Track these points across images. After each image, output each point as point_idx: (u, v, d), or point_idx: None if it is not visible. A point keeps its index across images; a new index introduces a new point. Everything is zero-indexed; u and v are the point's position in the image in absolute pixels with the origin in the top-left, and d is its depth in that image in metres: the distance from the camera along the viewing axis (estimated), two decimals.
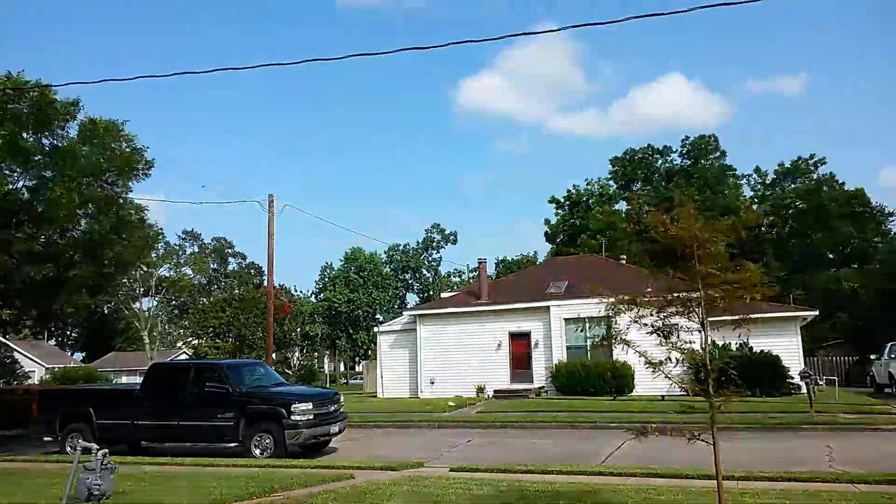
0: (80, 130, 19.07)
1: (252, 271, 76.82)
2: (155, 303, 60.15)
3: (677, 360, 5.60)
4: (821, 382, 23.45)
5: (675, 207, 5.98)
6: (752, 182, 58.26)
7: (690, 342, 5.76)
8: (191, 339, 56.89)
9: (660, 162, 60.01)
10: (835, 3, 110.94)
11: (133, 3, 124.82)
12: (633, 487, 8.04)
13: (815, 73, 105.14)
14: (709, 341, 5.63)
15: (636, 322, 5.76)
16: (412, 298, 76.06)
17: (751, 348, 22.32)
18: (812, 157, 54.69)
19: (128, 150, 19.93)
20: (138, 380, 17.20)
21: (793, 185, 54.11)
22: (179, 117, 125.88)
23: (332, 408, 13.52)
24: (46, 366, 50.61)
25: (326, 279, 74.07)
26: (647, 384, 21.25)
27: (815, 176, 53.34)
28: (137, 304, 53.90)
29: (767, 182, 57.23)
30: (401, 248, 76.57)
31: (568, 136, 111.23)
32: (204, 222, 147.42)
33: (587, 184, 60.27)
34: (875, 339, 33.94)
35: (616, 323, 6.05)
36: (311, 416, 12.59)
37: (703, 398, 5.60)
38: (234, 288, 64.00)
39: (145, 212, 21.28)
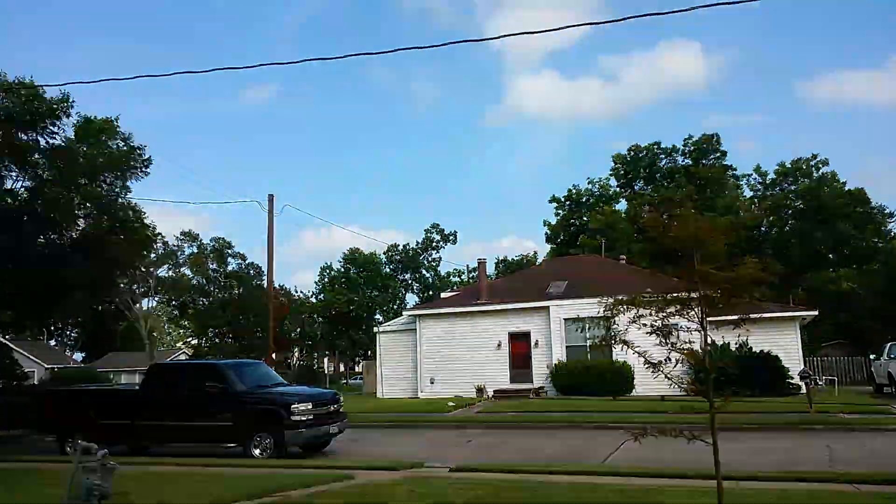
0: (77, 129, 19.04)
1: (252, 271, 76.73)
2: (155, 303, 60.11)
3: (677, 360, 5.61)
4: (821, 382, 23.46)
5: (675, 207, 6.00)
6: (753, 182, 58.29)
7: (690, 342, 5.77)
8: (191, 339, 56.87)
9: (663, 161, 59.92)
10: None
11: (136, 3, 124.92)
12: (634, 487, 8.04)
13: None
14: (708, 341, 5.63)
15: (635, 322, 5.77)
16: (412, 298, 76.06)
17: (750, 348, 22.31)
18: (815, 156, 54.70)
19: (124, 147, 19.91)
20: (138, 380, 17.17)
21: (793, 186, 54.10)
22: (179, 117, 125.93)
23: (332, 408, 13.52)
24: (46, 366, 50.56)
25: (326, 279, 74.05)
26: (646, 384, 21.25)
27: (816, 175, 53.32)
28: (137, 305, 53.84)
29: (768, 182, 57.24)
30: (400, 248, 76.57)
31: None
32: (203, 223, 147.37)
33: (588, 183, 60.32)
34: (875, 339, 33.94)
35: (616, 323, 6.05)
36: (311, 417, 12.59)
37: (703, 398, 5.60)
38: (233, 288, 63.90)
39: (143, 212, 21.34)
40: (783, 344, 23.10)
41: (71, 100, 18.81)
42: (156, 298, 59.08)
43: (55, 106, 18.44)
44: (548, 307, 26.35)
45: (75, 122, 19.08)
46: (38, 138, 18.80)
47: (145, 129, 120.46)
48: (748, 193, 57.01)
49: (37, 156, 18.36)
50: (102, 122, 19.28)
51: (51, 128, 18.78)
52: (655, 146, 59.81)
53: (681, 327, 5.74)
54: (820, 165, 54.13)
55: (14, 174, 18.62)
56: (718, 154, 57.96)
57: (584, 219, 55.71)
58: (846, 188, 50.67)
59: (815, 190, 50.31)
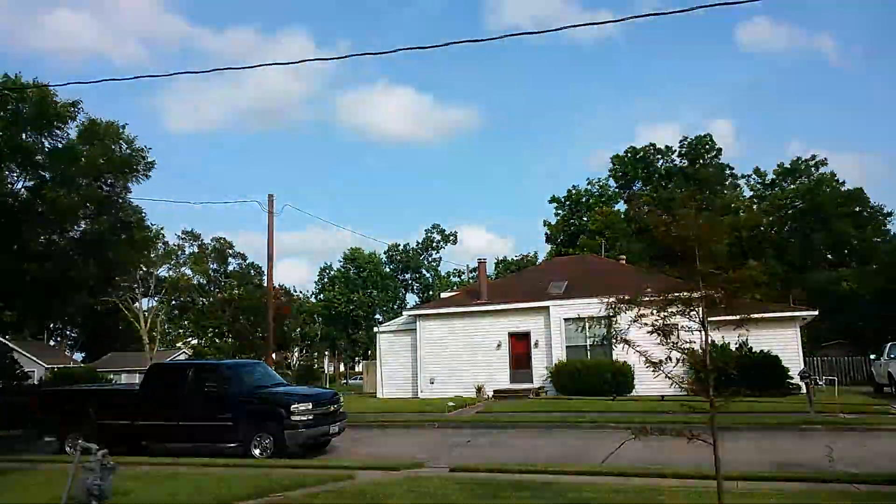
0: (81, 131, 19.09)
1: (252, 271, 76.74)
2: (155, 303, 60.13)
3: (678, 359, 5.61)
4: (821, 382, 23.43)
5: (676, 208, 6.01)
6: (752, 182, 58.40)
7: (690, 342, 5.77)
8: (191, 339, 56.88)
9: (660, 162, 60.09)
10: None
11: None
12: (634, 487, 8.04)
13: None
14: (709, 341, 5.63)
15: (637, 321, 5.77)
16: (412, 298, 76.08)
17: (750, 348, 22.30)
18: (813, 157, 54.81)
19: (128, 151, 19.98)
20: (138, 380, 17.17)
21: (792, 186, 54.19)
22: (179, 116, 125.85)
23: (332, 408, 13.53)
24: (46, 366, 50.53)
25: (326, 279, 74.07)
26: (646, 384, 21.25)
27: (815, 175, 53.40)
28: (137, 304, 53.88)
29: (767, 182, 57.34)
30: (401, 248, 76.63)
31: None
32: (204, 222, 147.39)
33: (588, 183, 60.43)
34: (875, 339, 33.92)
35: (617, 322, 6.06)
36: (311, 416, 12.59)
37: (703, 398, 5.61)
38: (234, 288, 63.89)
39: (144, 213, 21.34)
40: (783, 344, 23.09)
41: (80, 104, 18.93)
42: (156, 298, 59.11)
43: (62, 109, 18.49)
44: (548, 307, 26.34)
45: (79, 123, 19.15)
46: (43, 140, 18.84)
47: (149, 128, 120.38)
48: (748, 193, 57.16)
49: (39, 157, 18.39)
50: (107, 125, 19.33)
51: (56, 130, 18.83)
52: (651, 147, 59.99)
53: (681, 327, 5.75)
54: (819, 165, 54.21)
55: (16, 174, 18.65)
56: (714, 153, 58.15)
57: (584, 219, 55.79)
58: (844, 188, 50.71)
59: (813, 190, 50.36)
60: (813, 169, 54.20)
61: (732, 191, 55.55)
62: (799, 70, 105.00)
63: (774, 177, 56.71)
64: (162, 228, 23.48)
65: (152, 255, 44.75)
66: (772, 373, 21.78)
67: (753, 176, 58.24)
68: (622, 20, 8.81)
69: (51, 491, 8.65)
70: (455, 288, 59.61)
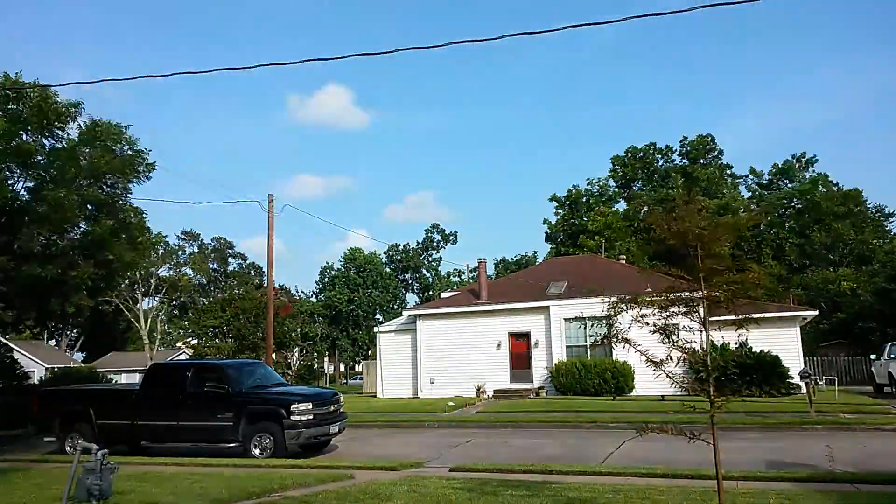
0: (82, 132, 19.08)
1: (252, 271, 76.72)
2: (155, 303, 60.13)
3: (678, 359, 5.61)
4: (821, 382, 23.45)
5: (677, 207, 6.01)
6: (749, 182, 58.43)
7: (691, 342, 5.77)
8: (191, 339, 56.78)
9: (660, 162, 60.06)
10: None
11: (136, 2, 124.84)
12: (634, 487, 8.04)
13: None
14: (709, 341, 5.63)
15: (638, 321, 5.77)
16: (412, 298, 76.09)
17: (750, 348, 22.31)
18: (803, 154, 55.16)
19: (129, 152, 19.96)
20: (138, 380, 17.16)
21: (789, 185, 54.30)
22: (179, 116, 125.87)
23: (332, 408, 13.53)
24: (46, 366, 50.55)
25: (326, 279, 74.06)
26: (646, 384, 21.26)
27: (808, 174, 53.59)
28: (137, 304, 53.89)
29: (763, 182, 57.40)
30: (401, 248, 76.64)
31: None
32: (204, 222, 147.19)
33: (588, 183, 60.42)
34: (875, 339, 33.92)
35: (617, 322, 6.06)
36: (311, 416, 12.60)
37: (703, 398, 5.61)
38: (234, 288, 63.86)
39: (144, 215, 21.34)
40: (783, 344, 23.09)
41: (81, 105, 18.90)
42: (156, 298, 59.12)
43: (64, 110, 18.47)
44: (548, 307, 26.35)
45: (80, 124, 19.14)
46: (44, 141, 18.82)
47: (146, 127, 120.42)
48: (745, 194, 57.21)
49: (40, 158, 18.38)
50: (108, 126, 19.31)
51: (57, 131, 18.80)
52: (651, 146, 59.98)
53: (682, 327, 5.75)
54: (809, 164, 54.50)
55: (16, 174, 18.63)
56: (715, 153, 58.15)
57: (584, 219, 55.78)
58: (841, 189, 50.77)
59: (809, 191, 50.43)
60: (807, 165, 54.43)
61: (732, 190, 55.55)
62: (795, 68, 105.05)
63: (771, 177, 56.82)
64: (162, 234, 23.49)
65: (153, 256, 44.77)
66: (772, 373, 21.79)
67: (750, 176, 58.34)
68: (623, 20, 8.75)
69: (51, 491, 8.66)
70: (455, 288, 59.59)
